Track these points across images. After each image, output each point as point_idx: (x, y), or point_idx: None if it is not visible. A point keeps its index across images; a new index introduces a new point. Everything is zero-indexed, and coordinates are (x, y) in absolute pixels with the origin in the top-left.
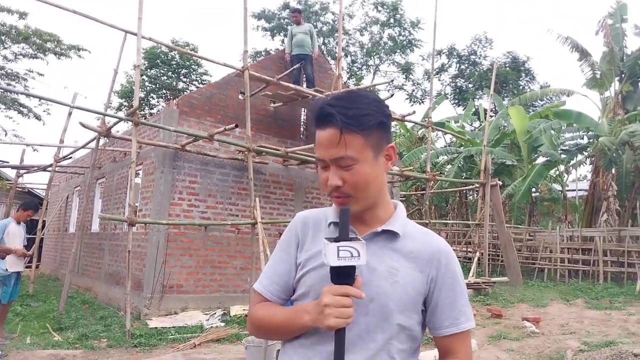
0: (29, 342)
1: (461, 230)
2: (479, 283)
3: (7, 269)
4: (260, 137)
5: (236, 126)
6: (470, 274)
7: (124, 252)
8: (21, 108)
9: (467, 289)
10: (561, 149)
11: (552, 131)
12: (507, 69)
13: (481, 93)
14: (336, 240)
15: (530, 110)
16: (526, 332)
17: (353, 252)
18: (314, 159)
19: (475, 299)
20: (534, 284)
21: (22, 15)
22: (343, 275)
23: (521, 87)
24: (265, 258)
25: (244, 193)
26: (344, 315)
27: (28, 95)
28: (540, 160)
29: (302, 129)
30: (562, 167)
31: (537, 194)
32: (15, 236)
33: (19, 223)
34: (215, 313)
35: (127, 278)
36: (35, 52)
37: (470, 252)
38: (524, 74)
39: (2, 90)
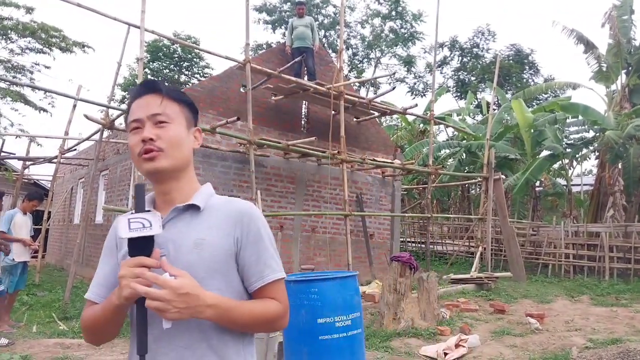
0: (35, 331)
1: (463, 225)
2: (481, 278)
3: (13, 259)
4: (261, 130)
5: (238, 119)
6: (473, 268)
7: None
8: (27, 101)
9: (469, 284)
10: (566, 143)
11: (557, 125)
12: (511, 61)
13: (484, 86)
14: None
15: (534, 103)
16: (530, 328)
17: (145, 223)
18: (315, 152)
19: (477, 294)
20: (537, 279)
21: (29, 10)
22: (139, 247)
23: (525, 80)
24: None
25: (245, 185)
26: (139, 284)
27: (33, 87)
28: (544, 154)
29: (303, 121)
30: (566, 161)
31: (541, 188)
32: (22, 227)
33: (25, 213)
34: None
35: None
36: (42, 47)
37: (472, 246)
38: (527, 67)
39: (8, 83)
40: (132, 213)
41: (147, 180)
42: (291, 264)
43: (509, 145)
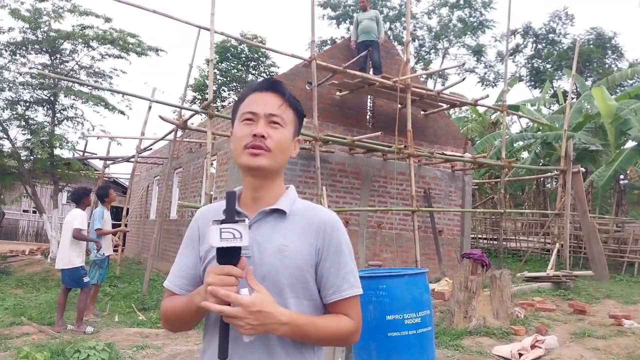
0: (117, 320)
1: (538, 221)
2: (559, 276)
3: (104, 253)
4: (326, 126)
5: (304, 116)
6: (549, 266)
7: None
8: (107, 104)
9: (545, 282)
10: None
11: None
12: (591, 46)
13: (560, 74)
14: (222, 222)
15: (618, 90)
16: (615, 330)
17: (235, 234)
18: (381, 147)
19: (554, 293)
20: (622, 279)
21: (107, 19)
22: (227, 256)
23: (607, 66)
24: None
25: (311, 182)
26: None
27: (113, 91)
28: (630, 144)
29: (368, 116)
30: None
31: (626, 181)
32: (108, 222)
33: (108, 209)
34: None
35: None
36: (120, 53)
37: (548, 243)
38: (610, 51)
39: (90, 88)
40: (221, 222)
41: (242, 171)
42: (357, 260)
43: (589, 135)
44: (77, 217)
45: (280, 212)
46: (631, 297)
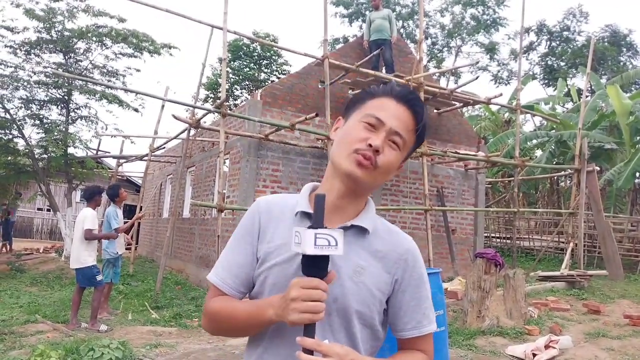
0: (130, 318)
1: (552, 220)
2: (573, 276)
3: (117, 252)
4: None
5: (316, 115)
6: (563, 266)
7: (213, 237)
8: (120, 102)
9: (559, 281)
10: None
11: None
12: (606, 44)
13: (574, 72)
14: (310, 226)
15: (633, 88)
16: (630, 330)
17: (331, 241)
18: None
19: (568, 293)
20: (637, 278)
21: (121, 20)
22: (316, 266)
23: (622, 64)
24: None
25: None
26: (312, 310)
27: (126, 90)
28: None
29: None
30: None
31: (635, 180)
32: (120, 221)
33: (120, 208)
34: None
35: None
36: (133, 52)
37: (562, 242)
38: (625, 49)
39: (103, 87)
40: (309, 226)
41: (336, 172)
42: None
43: (604, 134)
44: (87, 217)
45: (360, 230)
46: None
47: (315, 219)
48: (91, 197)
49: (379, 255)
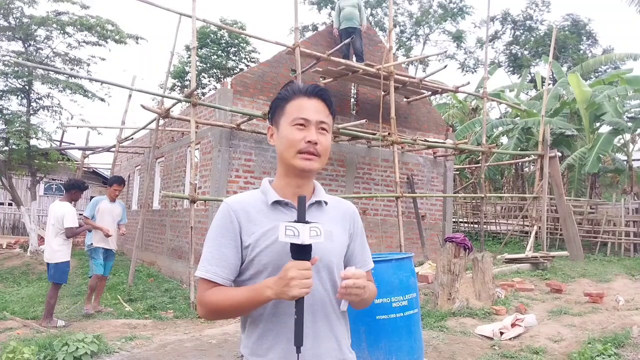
0: (104, 312)
1: (517, 204)
2: (537, 257)
3: (92, 243)
4: None
5: None
6: (528, 248)
7: (185, 228)
8: (85, 92)
9: (524, 263)
10: (627, 117)
11: (617, 98)
12: (567, 32)
13: (538, 60)
14: (298, 221)
15: (592, 76)
16: (617, 306)
17: (318, 232)
18: (365, 135)
19: (533, 274)
20: (596, 258)
21: (84, 6)
22: (304, 252)
23: (582, 52)
24: None
25: None
26: (306, 286)
27: (92, 79)
28: (605, 129)
29: (352, 104)
30: (627, 136)
31: (600, 164)
32: (104, 214)
33: (113, 201)
34: None
35: (191, 252)
36: (97, 40)
37: (527, 226)
38: (585, 38)
39: (67, 76)
40: (297, 221)
41: (290, 170)
42: None
43: (565, 121)
44: (67, 214)
45: (319, 203)
46: (604, 276)
47: (299, 215)
48: (69, 189)
49: (337, 219)
